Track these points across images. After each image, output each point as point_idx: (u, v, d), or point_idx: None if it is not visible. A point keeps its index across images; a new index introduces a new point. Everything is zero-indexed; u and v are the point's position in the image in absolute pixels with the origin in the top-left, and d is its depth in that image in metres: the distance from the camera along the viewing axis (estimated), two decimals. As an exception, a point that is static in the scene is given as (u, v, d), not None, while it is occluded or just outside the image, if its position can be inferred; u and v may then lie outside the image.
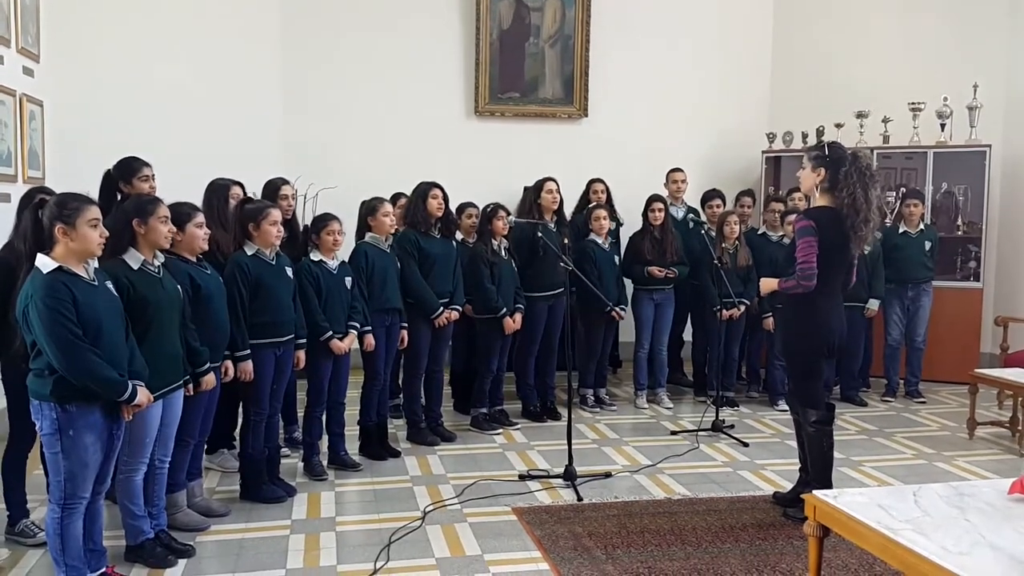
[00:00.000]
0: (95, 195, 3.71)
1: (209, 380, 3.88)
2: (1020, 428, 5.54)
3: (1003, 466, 5.15)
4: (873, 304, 6.62)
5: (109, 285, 3.28)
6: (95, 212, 3.15)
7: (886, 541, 2.59)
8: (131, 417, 3.29)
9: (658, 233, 6.42)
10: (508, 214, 5.78)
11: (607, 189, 7.01)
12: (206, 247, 3.98)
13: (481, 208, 5.89)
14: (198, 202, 4.32)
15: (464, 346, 6.10)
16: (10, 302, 3.18)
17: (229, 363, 4.12)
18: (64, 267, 3.07)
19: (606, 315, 6.16)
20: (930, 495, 2.92)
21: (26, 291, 3.06)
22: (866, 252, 6.29)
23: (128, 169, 4.41)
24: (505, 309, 5.69)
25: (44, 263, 3.07)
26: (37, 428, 3.17)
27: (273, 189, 5.22)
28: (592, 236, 6.26)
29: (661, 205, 6.44)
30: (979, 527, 2.62)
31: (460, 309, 5.56)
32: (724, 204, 6.96)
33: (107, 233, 3.21)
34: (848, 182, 4.03)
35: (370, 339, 4.94)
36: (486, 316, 5.73)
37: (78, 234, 3.08)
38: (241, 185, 4.97)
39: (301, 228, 5.54)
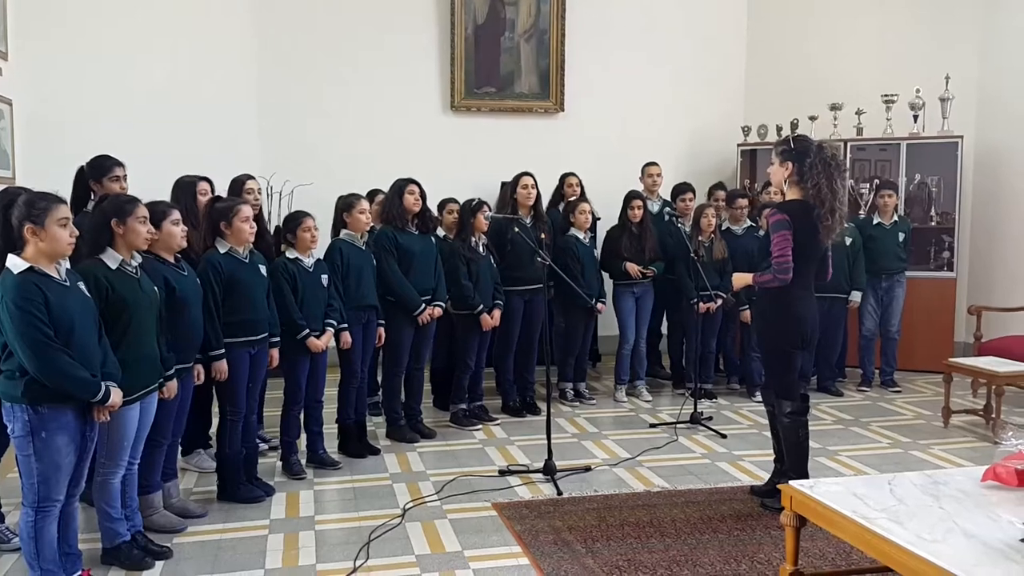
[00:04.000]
0: (66, 193, 3.66)
1: (171, 387, 3.80)
2: (994, 416, 5.60)
3: (977, 454, 5.21)
4: (856, 296, 6.67)
5: (81, 286, 3.25)
6: (64, 211, 3.12)
7: (861, 530, 2.62)
8: (107, 418, 3.26)
9: (636, 230, 6.43)
10: (490, 209, 5.78)
11: (580, 183, 7.01)
12: (184, 244, 3.94)
13: (462, 203, 5.87)
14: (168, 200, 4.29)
15: (443, 342, 6.08)
16: None
17: (200, 367, 4.07)
18: (35, 267, 3.04)
19: (587, 309, 6.17)
20: (905, 484, 2.95)
21: None
22: (847, 244, 6.41)
23: (100, 168, 4.35)
24: (482, 306, 5.68)
25: (15, 263, 3.03)
26: (9, 431, 3.14)
27: (239, 185, 5.15)
28: (572, 231, 6.26)
29: (640, 202, 6.45)
30: (953, 515, 2.66)
31: (444, 305, 5.55)
32: (695, 197, 6.97)
33: (77, 232, 3.17)
34: (812, 173, 4.08)
35: (347, 336, 4.92)
36: (463, 312, 5.72)
37: (47, 234, 3.05)
38: (208, 180, 4.92)
39: (273, 227, 5.50)
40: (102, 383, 3.17)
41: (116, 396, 3.24)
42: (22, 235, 3.05)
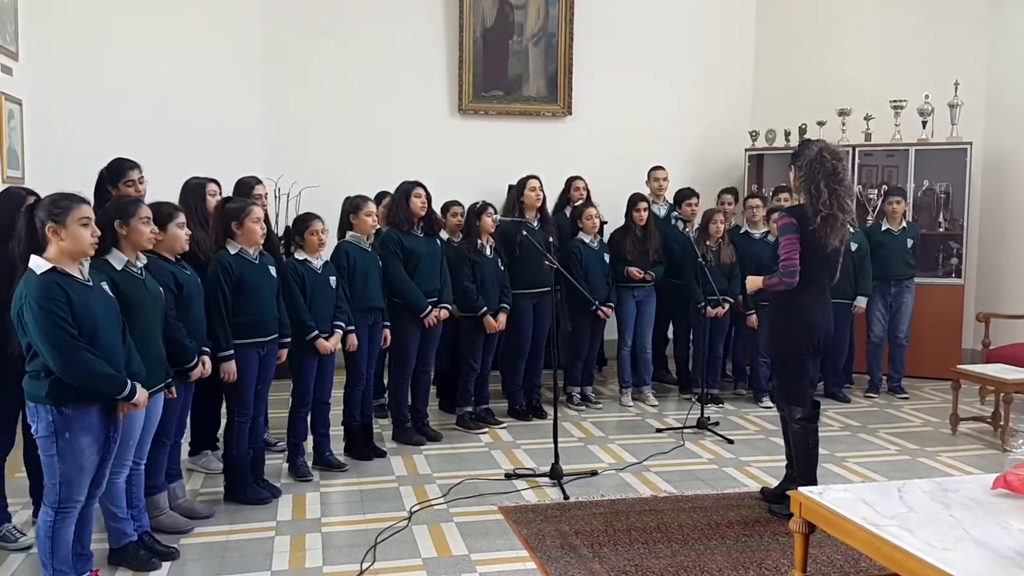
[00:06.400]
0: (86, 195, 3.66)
1: (197, 372, 3.89)
2: (1002, 423, 5.58)
3: (985, 461, 5.19)
4: (860, 302, 6.65)
5: (104, 285, 3.25)
6: (86, 211, 3.12)
7: (871, 537, 2.60)
8: (122, 415, 3.26)
9: (640, 232, 6.42)
10: (495, 212, 5.77)
11: (587, 186, 7.00)
12: (187, 248, 3.96)
13: (467, 206, 5.86)
14: (176, 201, 4.30)
15: (448, 345, 6.08)
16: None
17: (207, 359, 4.03)
18: (58, 268, 3.05)
19: (592, 313, 6.15)
20: (914, 491, 2.94)
21: (20, 293, 3.03)
22: (852, 249, 6.39)
23: (116, 173, 4.37)
24: (485, 308, 5.67)
25: (38, 264, 3.04)
26: (32, 430, 3.14)
27: (247, 188, 5.13)
28: (580, 235, 6.26)
29: (645, 204, 6.44)
30: (963, 522, 2.64)
31: (450, 308, 5.54)
32: (699, 202, 6.95)
33: (99, 233, 3.18)
34: (800, 176, 4.11)
35: (353, 339, 4.91)
36: (468, 315, 5.71)
37: (68, 233, 3.05)
38: (216, 182, 4.93)
39: (282, 228, 5.50)
40: (128, 380, 3.17)
41: (142, 393, 3.25)
42: (44, 235, 3.05)
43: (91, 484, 3.22)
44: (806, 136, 7.36)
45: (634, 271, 6.32)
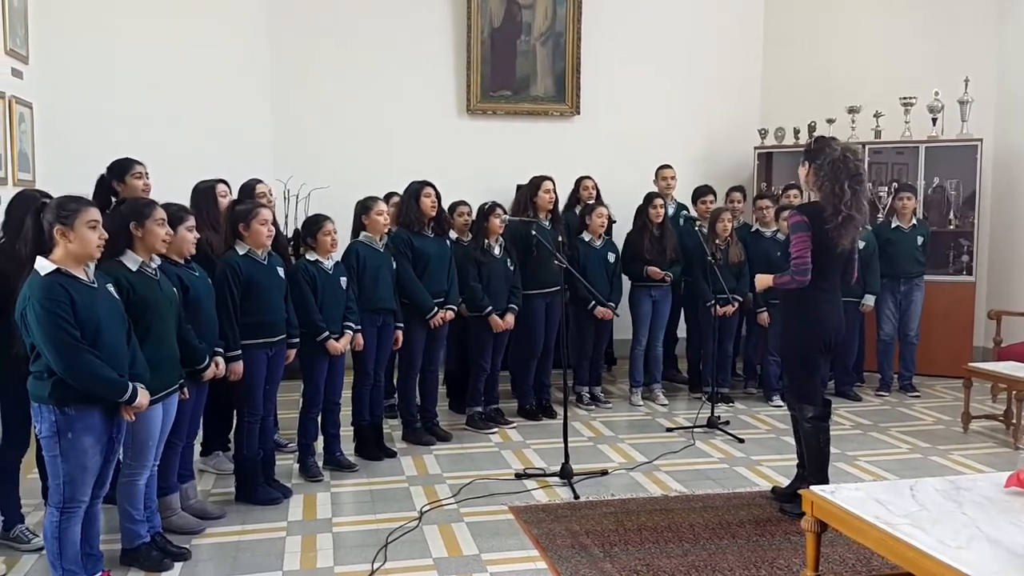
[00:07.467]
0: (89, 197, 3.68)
1: (210, 373, 3.92)
2: (1014, 421, 5.55)
3: (998, 459, 5.16)
4: (869, 300, 6.63)
5: (110, 287, 3.27)
6: (94, 214, 3.14)
7: (884, 536, 2.59)
8: (132, 418, 3.28)
9: (657, 231, 6.41)
10: (505, 212, 5.77)
11: (596, 186, 6.99)
12: (194, 251, 3.97)
13: (477, 206, 5.86)
14: (186, 203, 4.32)
15: (458, 345, 6.08)
16: (8, 305, 3.17)
17: (220, 359, 4.06)
18: (62, 269, 3.06)
19: (592, 312, 6.15)
20: (927, 489, 2.93)
21: (24, 294, 3.05)
22: (860, 247, 6.36)
23: (121, 168, 4.42)
24: (491, 308, 5.66)
25: (42, 265, 3.06)
26: (36, 431, 3.17)
27: (248, 189, 5.16)
28: (584, 234, 6.25)
29: (661, 202, 6.43)
30: (977, 521, 2.63)
31: (456, 309, 5.54)
32: (715, 199, 6.95)
33: (106, 235, 3.20)
34: (819, 175, 4.07)
35: (359, 338, 4.91)
36: (477, 314, 5.71)
37: (76, 235, 3.07)
38: (225, 182, 4.95)
39: (291, 230, 5.51)
40: (129, 383, 3.18)
41: (143, 396, 3.26)
42: (52, 236, 3.07)
43: (95, 484, 3.23)
44: (818, 134, 7.32)
45: (654, 271, 6.31)
